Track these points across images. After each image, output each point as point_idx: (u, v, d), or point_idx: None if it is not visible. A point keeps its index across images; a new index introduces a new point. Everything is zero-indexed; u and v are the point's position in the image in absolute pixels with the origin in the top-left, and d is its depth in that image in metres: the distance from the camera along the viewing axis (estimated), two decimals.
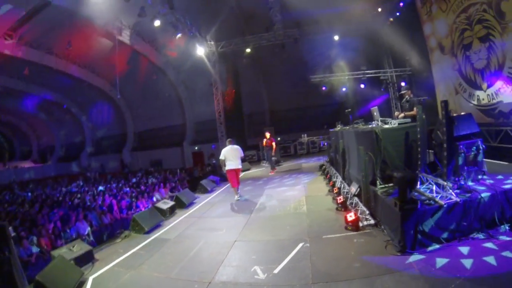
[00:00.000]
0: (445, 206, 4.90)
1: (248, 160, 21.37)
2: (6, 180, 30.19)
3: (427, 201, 5.10)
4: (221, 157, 10.71)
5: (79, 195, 15.60)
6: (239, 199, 10.47)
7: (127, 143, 35.21)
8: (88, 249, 6.81)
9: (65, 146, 42.79)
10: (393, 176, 5.33)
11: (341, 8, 18.10)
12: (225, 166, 10.56)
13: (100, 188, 17.61)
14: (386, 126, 6.96)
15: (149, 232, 8.26)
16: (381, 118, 7.33)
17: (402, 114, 7.75)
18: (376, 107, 7.81)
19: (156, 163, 31.67)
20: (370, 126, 8.00)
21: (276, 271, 4.88)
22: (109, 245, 7.98)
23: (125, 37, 23.44)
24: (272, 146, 16.66)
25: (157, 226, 8.72)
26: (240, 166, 10.80)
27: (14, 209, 13.23)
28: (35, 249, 8.37)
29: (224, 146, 11.19)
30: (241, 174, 16.83)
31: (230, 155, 10.59)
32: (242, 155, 10.91)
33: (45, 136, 44.61)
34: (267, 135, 17.20)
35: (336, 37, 19.88)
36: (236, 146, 10.89)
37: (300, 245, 5.74)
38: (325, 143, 19.13)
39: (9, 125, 44.60)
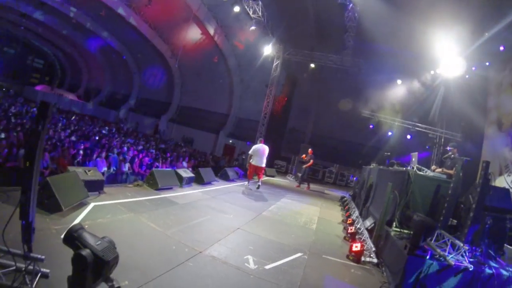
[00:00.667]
0: (453, 266, 4.67)
1: (276, 169, 21.40)
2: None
3: (437, 256, 4.86)
4: (250, 152, 12.09)
5: (107, 138, 16.09)
6: (248, 186, 11.96)
7: (167, 112, 35.73)
8: (100, 179, 7.05)
9: (110, 94, 44.05)
10: (412, 217, 5.20)
11: (413, 55, 17.80)
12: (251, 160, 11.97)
13: (129, 140, 18.08)
14: (421, 172, 6.80)
15: (160, 189, 8.40)
16: (418, 165, 7.16)
17: (440, 170, 7.49)
18: (417, 153, 7.63)
19: (187, 140, 31.99)
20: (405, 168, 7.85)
21: (267, 267, 4.84)
22: (120, 186, 8.25)
23: (201, 14, 23.87)
24: (308, 161, 16.64)
25: (169, 188, 8.87)
26: (263, 165, 12.01)
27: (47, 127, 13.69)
28: (51, 165, 8.67)
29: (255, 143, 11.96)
30: (263, 178, 17.19)
31: (258, 153, 11.81)
32: (266, 154, 12.03)
33: (96, 78, 46.06)
34: (310, 151, 17.07)
35: (399, 82, 19.63)
36: (265, 146, 12.04)
37: (299, 254, 5.69)
38: (355, 178, 18.89)
39: (68, 56, 46.50)
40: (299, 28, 21.76)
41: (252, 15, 18.68)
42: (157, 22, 28.10)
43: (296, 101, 27.78)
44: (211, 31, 25.58)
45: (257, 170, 12.07)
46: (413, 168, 7.02)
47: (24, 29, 38.01)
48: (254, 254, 5.25)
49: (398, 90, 20.06)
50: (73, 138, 13.52)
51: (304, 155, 17.28)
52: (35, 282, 3.13)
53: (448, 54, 14.83)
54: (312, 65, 22.06)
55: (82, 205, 5.83)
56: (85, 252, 2.77)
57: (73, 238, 2.94)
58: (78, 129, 16.79)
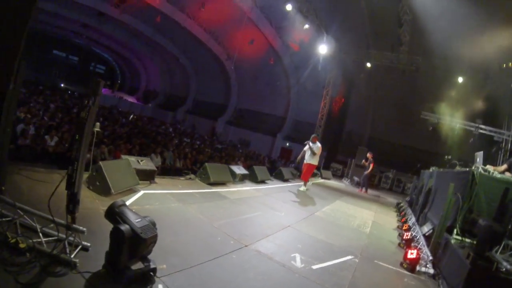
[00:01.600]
0: None
1: (332, 172, 21.12)
2: (109, 104, 33.75)
3: (504, 270, 4.23)
4: (305, 148, 11.58)
5: (163, 136, 16.71)
6: (304, 190, 11.35)
7: (224, 115, 36.35)
8: (153, 169, 7.22)
9: (168, 96, 45.72)
10: (477, 222, 4.71)
11: (477, 50, 16.63)
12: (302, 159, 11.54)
13: (185, 139, 18.57)
14: (486, 173, 6.20)
15: (212, 184, 8.45)
16: (483, 166, 6.54)
17: (509, 174, 6.79)
18: (481, 152, 6.95)
19: (244, 142, 32.35)
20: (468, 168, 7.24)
21: (314, 267, 4.61)
22: (172, 178, 8.35)
23: (254, 16, 24.12)
24: (368, 167, 16.60)
25: (222, 183, 8.92)
26: (312, 162, 11.36)
27: (106, 124, 14.67)
28: (108, 157, 9.12)
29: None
30: (319, 180, 17.12)
31: (308, 150, 11.34)
32: (317, 152, 11.28)
33: (154, 81, 48.30)
34: (369, 155, 17.02)
35: (460, 79, 18.50)
36: (317, 144, 11.34)
37: (349, 257, 5.39)
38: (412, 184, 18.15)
39: (127, 61, 49.37)
40: (354, 26, 21.21)
41: (305, 13, 18.47)
42: (211, 26, 28.87)
43: (353, 103, 27.26)
44: (265, 32, 25.80)
45: (308, 168, 11.52)
46: (478, 168, 6.44)
47: (86, 38, 41.03)
48: (302, 252, 5.04)
49: (460, 89, 18.91)
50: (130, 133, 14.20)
51: (364, 161, 17.06)
52: (75, 253, 3.19)
53: None
54: (368, 64, 21.44)
55: (132, 191, 6.00)
56: (124, 227, 2.80)
57: (114, 213, 2.98)
58: (135, 126, 17.55)
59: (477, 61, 17.15)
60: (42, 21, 35.01)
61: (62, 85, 44.64)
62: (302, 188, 11.44)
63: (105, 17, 30.92)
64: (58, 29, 40.65)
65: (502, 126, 18.38)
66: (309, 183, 12.38)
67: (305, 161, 11.44)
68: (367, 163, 16.64)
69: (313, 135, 11.62)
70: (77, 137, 3.18)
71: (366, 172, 16.65)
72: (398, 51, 19.72)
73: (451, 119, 19.43)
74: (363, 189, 16.80)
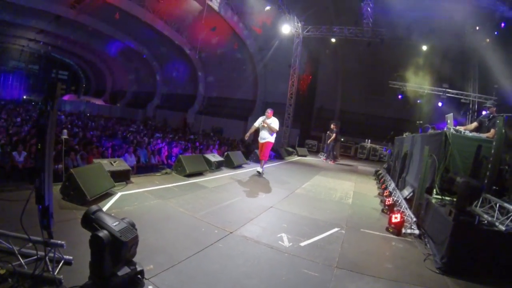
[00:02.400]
0: (504, 232, 4.12)
1: (308, 149, 21.33)
2: (77, 110, 32.78)
3: (485, 222, 4.34)
4: (256, 124, 10.09)
5: (134, 134, 16.47)
6: (259, 173, 9.89)
7: (194, 105, 36.06)
8: (126, 168, 7.04)
9: (135, 94, 45.04)
10: (455, 180, 4.77)
11: (438, 16, 16.89)
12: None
13: (157, 134, 18.34)
14: (458, 133, 6.34)
15: (189, 176, 8.33)
16: (454, 127, 6.67)
17: (479, 132, 6.92)
18: (451, 114, 7.07)
19: (217, 129, 32.29)
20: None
21: (302, 244, 4.62)
22: (148, 175, 8.18)
23: (215, 3, 23.73)
24: (331, 136, 17.03)
25: (199, 174, 8.80)
26: (271, 140, 9.95)
27: (76, 131, 14.26)
28: (81, 163, 8.84)
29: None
30: (296, 158, 17.30)
31: (262, 128, 9.96)
32: (272, 128, 9.81)
33: (120, 80, 47.51)
34: (332, 126, 17.37)
35: (425, 47, 18.91)
36: (275, 120, 9.98)
37: (335, 229, 5.43)
38: (388, 151, 18.39)
39: (90, 64, 48.30)
40: (315, 3, 21.16)
41: None
42: (171, 17, 28.36)
43: (321, 79, 27.44)
44: (227, 18, 25.46)
45: (263, 147, 10.02)
46: (450, 129, 6.54)
47: (44, 44, 39.53)
48: (288, 231, 5.04)
49: (424, 56, 19.32)
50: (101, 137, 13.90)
51: (329, 132, 17.39)
52: (58, 269, 3.07)
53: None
54: (333, 40, 21.53)
55: (109, 195, 5.81)
56: (102, 233, 2.69)
57: (90, 220, 2.86)
58: (106, 129, 17.20)
59: (439, 27, 17.44)
60: None
61: (25, 96, 43.27)
62: (260, 169, 10.03)
63: (62, 20, 29.78)
64: (14, 39, 39.02)
65: (468, 89, 18.91)
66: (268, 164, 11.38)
67: (263, 140, 9.91)
68: (332, 134, 17.06)
69: (268, 110, 10.07)
70: (39, 146, 3.00)
71: (329, 141, 17.25)
72: (362, 24, 19.79)
73: (419, 86, 19.83)
74: (329, 160, 17.44)
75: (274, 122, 9.87)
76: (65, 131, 5.46)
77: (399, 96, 21.15)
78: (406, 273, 4.11)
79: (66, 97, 42.54)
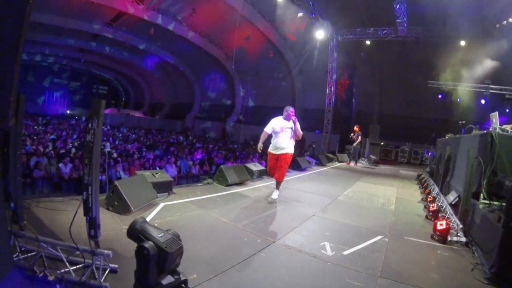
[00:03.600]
0: None
1: (348, 154, 21.05)
2: (117, 122, 34.04)
3: None
4: (267, 129, 7.46)
5: (175, 145, 16.87)
6: (272, 200, 7.19)
7: (232, 114, 36.40)
8: (169, 180, 7.16)
9: (173, 105, 45.99)
10: (504, 183, 4.59)
11: (475, 9, 16.21)
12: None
13: (197, 145, 18.69)
14: (505, 133, 6.03)
15: (231, 185, 8.43)
16: (500, 126, 6.38)
17: None
18: (496, 112, 6.75)
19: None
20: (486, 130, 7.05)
21: (345, 253, 4.56)
22: (190, 186, 8.39)
23: (247, 12, 24.01)
24: (356, 140, 16.67)
25: (240, 183, 8.88)
26: (291, 151, 7.30)
27: (118, 143, 14.84)
28: (123, 174, 9.17)
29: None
30: (337, 164, 17.02)
31: (279, 133, 7.27)
32: (298, 133, 7.29)
33: (158, 92, 48.70)
34: (356, 128, 16.99)
35: (463, 43, 18.18)
36: (291, 122, 7.23)
37: (379, 237, 5.33)
38: (430, 154, 17.81)
39: (128, 78, 49.99)
40: (347, 6, 20.94)
41: (297, 1, 18.34)
42: (205, 29, 28.83)
43: (358, 83, 27.09)
44: (260, 27, 25.69)
45: (278, 160, 7.24)
46: (495, 129, 6.27)
47: (84, 62, 41.60)
48: (331, 240, 5.00)
49: (463, 52, 18.54)
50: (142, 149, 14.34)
51: (352, 134, 16.95)
52: (104, 277, 3.22)
53: None
54: (368, 42, 21.24)
55: (152, 205, 5.98)
56: (148, 244, 2.77)
57: (136, 231, 2.95)
58: (146, 140, 17.73)
59: (477, 21, 16.77)
60: (38, 53, 35.83)
61: (68, 111, 45.38)
62: (275, 195, 7.28)
63: (100, 38, 31.28)
64: (56, 58, 41.39)
65: None
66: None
67: (280, 151, 7.22)
68: (354, 136, 16.70)
69: (289, 108, 7.41)
70: (86, 161, 3.17)
71: (354, 145, 16.82)
72: (396, 24, 19.42)
73: (459, 84, 19.12)
74: (353, 162, 17.16)
75: (298, 124, 7.32)
76: (107, 144, 5.71)
77: (439, 96, 20.50)
78: (453, 284, 3.95)
79: (106, 111, 44.17)
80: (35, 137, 14.61)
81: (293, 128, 7.22)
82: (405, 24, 19.24)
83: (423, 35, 19.35)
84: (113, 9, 24.04)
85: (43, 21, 24.29)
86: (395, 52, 22.36)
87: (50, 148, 12.92)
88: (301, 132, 7.38)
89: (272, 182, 9.00)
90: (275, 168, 7.30)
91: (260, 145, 7.50)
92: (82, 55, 39.32)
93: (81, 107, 46.77)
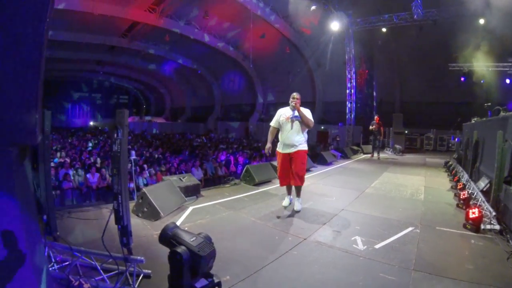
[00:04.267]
0: None
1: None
2: (140, 130, 34.75)
3: None
4: (273, 123, 6.37)
5: (199, 148, 17.08)
6: (286, 205, 6.40)
7: (254, 113, 36.61)
8: (196, 183, 7.32)
9: (194, 108, 46.44)
10: None
11: None
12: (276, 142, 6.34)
13: (221, 146, 18.85)
14: None
15: (258, 184, 8.52)
16: None
17: None
18: None
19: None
20: None
21: (377, 246, 4.54)
22: (217, 188, 8.48)
23: (259, 10, 24.07)
24: (376, 131, 15.97)
25: (268, 181, 8.95)
26: (304, 147, 6.15)
27: (143, 150, 15.14)
28: (150, 181, 9.41)
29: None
30: (362, 156, 16.78)
31: (286, 126, 6.10)
32: (306, 120, 6.03)
33: (178, 97, 49.31)
34: (376, 118, 16.24)
35: (482, 21, 17.50)
36: (302, 112, 6.03)
37: (410, 229, 5.26)
38: (456, 139, 17.37)
39: (148, 85, 50.90)
40: None
41: None
42: (220, 31, 29.01)
43: (377, 72, 26.63)
44: (274, 24, 25.64)
45: (290, 160, 6.07)
46: None
47: (103, 74, 42.76)
48: (362, 234, 4.99)
49: (482, 32, 17.95)
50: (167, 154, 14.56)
51: (372, 126, 16.07)
52: (138, 282, 3.31)
53: None
54: (384, 30, 20.91)
55: (181, 210, 6.11)
56: (180, 249, 2.83)
57: (168, 237, 3.02)
58: (170, 145, 17.99)
59: None
60: (57, 69, 36.81)
61: (91, 123, 46.53)
62: (298, 206, 6.24)
63: (116, 49, 32.02)
64: (75, 72, 42.71)
65: None
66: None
67: (291, 149, 6.03)
68: (374, 127, 15.89)
69: (294, 94, 6.09)
70: (114, 171, 3.26)
71: (379, 137, 16.20)
72: (411, 8, 19.04)
73: (481, 64, 18.58)
74: (374, 154, 16.47)
75: (308, 112, 6.16)
76: (133, 152, 5.87)
77: (462, 79, 19.94)
78: (489, 274, 3.82)
79: (129, 119, 45.12)
80: (62, 150, 15.05)
81: (300, 116, 6.00)
82: (420, 8, 18.79)
83: (440, 17, 18.83)
84: (127, 20, 24.53)
85: (60, 38, 25.06)
86: (413, 37, 21.88)
87: (77, 159, 13.31)
88: (311, 119, 6.07)
89: None
90: (288, 172, 6.10)
91: (268, 146, 6.29)
92: (101, 68, 40.29)
93: (104, 118, 47.94)
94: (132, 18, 24.09)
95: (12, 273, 1.86)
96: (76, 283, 3.16)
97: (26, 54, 1.85)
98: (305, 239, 4.79)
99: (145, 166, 11.36)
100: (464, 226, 5.35)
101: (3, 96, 1.81)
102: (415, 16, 19.23)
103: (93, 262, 3.58)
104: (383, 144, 17.28)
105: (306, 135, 6.22)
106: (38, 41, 1.88)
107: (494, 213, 5.44)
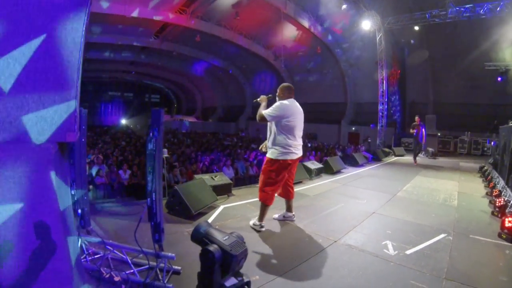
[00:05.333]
0: None
1: (405, 148, 20.44)
2: (171, 128, 35.75)
3: None
4: (272, 113, 5.12)
5: (230, 147, 17.26)
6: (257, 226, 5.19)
7: None
8: (228, 182, 7.44)
9: (226, 108, 46.82)
10: None
11: None
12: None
13: (252, 145, 18.97)
14: None
15: None
16: None
17: None
18: None
19: (311, 136, 32.23)
20: None
21: (408, 252, 4.49)
22: (249, 187, 8.64)
23: (290, 10, 24.10)
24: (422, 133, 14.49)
25: (299, 182, 8.97)
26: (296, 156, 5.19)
27: (174, 148, 15.47)
28: (181, 179, 9.62)
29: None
30: (393, 159, 16.45)
31: (297, 122, 5.24)
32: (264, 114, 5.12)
33: (209, 97, 49.86)
34: (417, 119, 14.60)
35: None
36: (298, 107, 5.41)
37: (442, 235, 5.17)
38: (492, 143, 16.79)
39: (179, 85, 51.82)
40: None
41: None
42: (251, 31, 29.20)
43: (410, 72, 26.10)
44: (305, 24, 25.70)
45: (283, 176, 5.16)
46: None
47: (136, 73, 43.75)
48: (393, 238, 4.95)
49: None
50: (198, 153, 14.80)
51: (412, 129, 14.51)
52: (167, 278, 3.41)
53: None
54: (416, 28, 20.44)
55: (212, 208, 6.23)
56: (213, 247, 2.91)
57: (201, 235, 3.11)
58: (202, 144, 18.27)
59: None
60: (92, 70, 38.02)
61: (123, 121, 47.78)
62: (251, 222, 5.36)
63: (148, 50, 32.88)
64: (109, 73, 44.19)
65: None
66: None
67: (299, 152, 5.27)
68: (414, 131, 14.34)
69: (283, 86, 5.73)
70: (149, 169, 3.35)
71: (422, 142, 14.96)
72: (444, 5, 18.53)
73: None
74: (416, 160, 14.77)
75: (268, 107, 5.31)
76: (165, 150, 6.01)
77: (499, 79, 19.24)
78: None
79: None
80: (95, 147, 15.54)
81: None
82: (453, 4, 18.25)
83: (475, 13, 18.20)
84: (158, 21, 25.03)
85: (96, 40, 25.85)
86: (447, 35, 21.34)
87: (110, 156, 13.73)
88: (261, 112, 5.21)
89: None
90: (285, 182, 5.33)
91: (264, 145, 5.67)
92: (133, 67, 41.29)
93: (135, 116, 49.15)
94: (164, 19, 24.56)
95: (46, 263, 2.00)
96: (107, 276, 3.31)
97: (67, 54, 1.99)
98: (335, 241, 4.81)
99: (176, 164, 11.61)
100: (499, 236, 5.18)
101: (45, 95, 1.96)
102: (449, 14, 18.69)
103: (124, 256, 3.73)
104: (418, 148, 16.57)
105: (280, 138, 5.04)
106: (78, 42, 2.02)
107: None
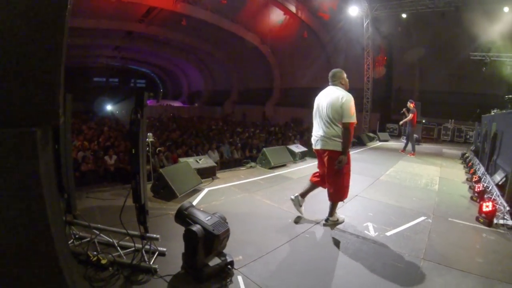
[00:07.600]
0: None
1: (389, 134, 20.68)
2: (157, 113, 35.35)
3: None
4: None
5: (216, 131, 17.23)
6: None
7: (271, 98, 36.46)
8: (212, 165, 7.50)
9: (212, 92, 46.52)
10: None
11: None
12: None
13: (238, 129, 18.99)
14: None
15: (274, 168, 8.64)
16: None
17: None
18: None
19: (296, 120, 32.16)
20: None
21: (388, 233, 4.61)
22: (233, 170, 8.63)
23: None
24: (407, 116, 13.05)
25: (283, 165, 9.06)
26: (330, 147, 4.70)
27: (161, 133, 15.35)
28: (167, 163, 9.63)
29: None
30: (377, 144, 16.50)
31: (320, 112, 5.32)
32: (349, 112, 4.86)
33: (195, 81, 49.43)
34: (411, 104, 12.86)
35: (506, 9, 16.81)
36: (338, 93, 5.19)
37: (422, 218, 5.31)
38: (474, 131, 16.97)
39: (165, 70, 51.25)
40: None
41: None
42: (238, 15, 28.68)
43: (396, 59, 26.18)
44: (292, 8, 25.42)
45: (324, 160, 4.84)
46: None
47: (121, 59, 43.11)
48: (374, 220, 5.08)
49: (507, 20, 17.32)
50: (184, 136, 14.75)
51: (404, 110, 13.25)
52: (153, 259, 3.46)
53: None
54: (404, 16, 20.45)
55: (197, 191, 6.29)
56: (195, 227, 2.94)
57: (184, 216, 3.16)
58: (187, 129, 18.18)
59: None
60: (76, 55, 37.36)
61: (109, 106, 47.33)
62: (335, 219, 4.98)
63: (133, 34, 32.21)
64: (93, 58, 43.16)
65: None
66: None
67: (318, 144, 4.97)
68: (408, 113, 12.84)
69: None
70: (133, 151, 3.32)
71: (401, 123, 13.75)
72: None
73: (505, 55, 18.09)
74: (407, 152, 13.21)
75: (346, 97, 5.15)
76: (150, 133, 6.00)
77: (483, 69, 19.44)
78: (498, 269, 3.81)
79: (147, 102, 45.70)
80: (80, 133, 15.34)
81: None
82: None
83: (462, 3, 18.27)
84: (144, 5, 24.51)
85: (77, 25, 25.19)
86: (434, 24, 21.40)
87: (95, 142, 13.59)
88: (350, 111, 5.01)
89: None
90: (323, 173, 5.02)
91: None
92: (118, 53, 40.59)
93: (121, 102, 48.72)
94: (150, 3, 24.05)
95: (35, 248, 2.00)
96: (94, 259, 3.33)
97: (49, 39, 1.97)
98: (317, 223, 4.90)
99: (161, 148, 11.58)
100: (477, 219, 5.32)
101: (29, 79, 1.94)
102: (437, 2, 18.72)
103: (110, 239, 3.79)
104: (398, 132, 16.23)
105: (338, 129, 4.73)
106: (60, 27, 2.00)
107: (508, 208, 5.40)
